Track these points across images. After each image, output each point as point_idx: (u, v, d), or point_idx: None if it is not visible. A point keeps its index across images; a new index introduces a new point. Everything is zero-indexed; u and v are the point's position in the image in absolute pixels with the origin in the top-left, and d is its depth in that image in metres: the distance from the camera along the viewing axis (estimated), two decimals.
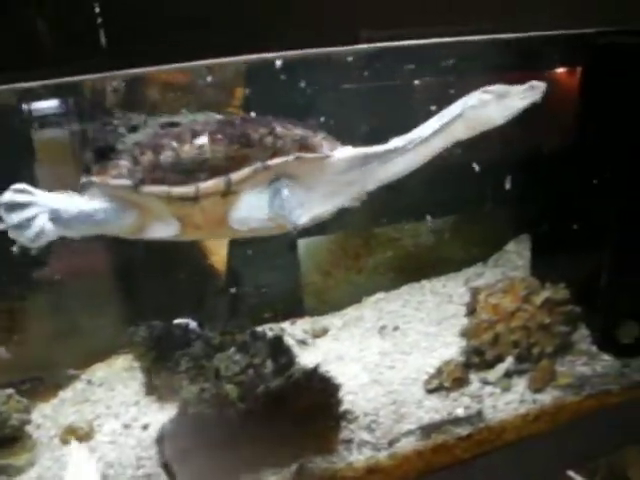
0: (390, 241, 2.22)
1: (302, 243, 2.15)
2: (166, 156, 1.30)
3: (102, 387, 1.97)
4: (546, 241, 2.10)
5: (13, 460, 1.72)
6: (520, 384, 1.76)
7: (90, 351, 2.04)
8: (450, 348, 1.91)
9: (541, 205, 2.06)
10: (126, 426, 1.80)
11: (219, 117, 1.42)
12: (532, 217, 2.15)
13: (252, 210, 1.33)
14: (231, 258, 2.12)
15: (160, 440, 1.62)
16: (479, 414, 1.67)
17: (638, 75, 1.74)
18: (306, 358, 1.85)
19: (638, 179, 1.77)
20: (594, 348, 1.90)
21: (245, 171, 1.30)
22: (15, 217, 1.29)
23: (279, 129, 1.35)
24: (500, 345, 1.80)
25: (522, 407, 1.70)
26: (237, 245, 2.09)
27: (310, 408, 1.62)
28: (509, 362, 1.78)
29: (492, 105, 1.34)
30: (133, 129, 1.39)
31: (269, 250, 2.08)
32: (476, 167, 1.82)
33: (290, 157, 1.32)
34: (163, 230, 1.36)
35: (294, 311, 2.21)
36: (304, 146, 1.34)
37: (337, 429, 1.65)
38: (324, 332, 2.09)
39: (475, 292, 1.91)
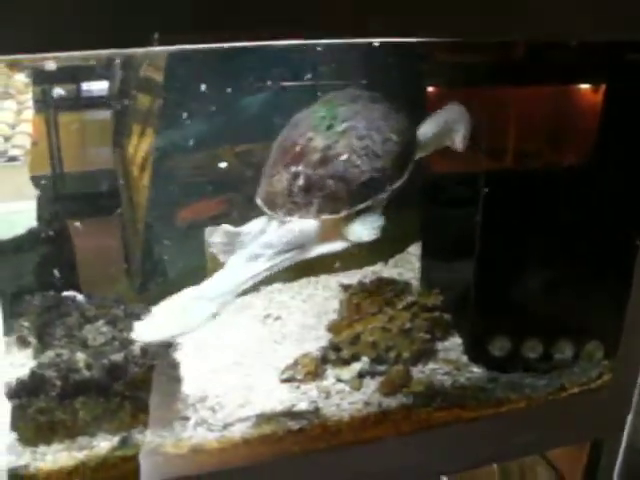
0: None
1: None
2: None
3: None
4: (435, 247, 2.11)
5: None
6: (372, 386, 1.76)
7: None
8: (319, 342, 1.91)
9: (432, 211, 2.07)
10: None
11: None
12: (424, 222, 2.16)
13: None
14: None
15: (7, 396, 1.66)
16: (316, 410, 1.68)
17: None
18: (185, 339, 1.89)
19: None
20: (465, 358, 1.89)
21: None
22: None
23: None
24: (358, 344, 1.80)
25: (366, 409, 1.69)
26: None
27: (148, 382, 1.66)
28: (364, 362, 1.78)
29: None
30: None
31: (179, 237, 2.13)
32: None
33: None
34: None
35: None
36: None
37: (176, 406, 1.69)
38: (212, 316, 2.11)
39: (345, 289, 1.92)
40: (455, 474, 2.09)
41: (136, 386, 1.65)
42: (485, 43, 1.68)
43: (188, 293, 1.49)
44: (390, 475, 1.72)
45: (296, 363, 1.81)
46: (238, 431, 1.63)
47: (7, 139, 2.24)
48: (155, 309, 1.54)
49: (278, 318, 2.11)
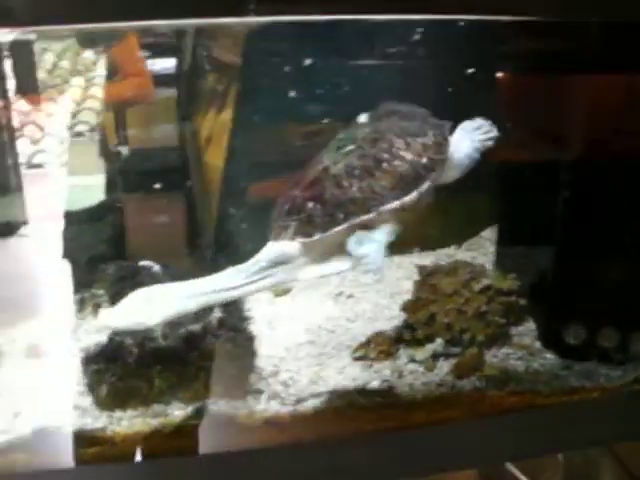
0: None
1: None
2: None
3: None
4: (511, 232, 2.09)
5: None
6: (445, 367, 1.75)
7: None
8: (392, 321, 1.91)
9: (510, 197, 2.05)
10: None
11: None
12: (501, 207, 2.14)
13: None
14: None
15: (85, 363, 1.69)
16: (390, 389, 1.68)
17: None
18: (258, 313, 1.90)
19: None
20: (538, 344, 1.87)
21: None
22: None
23: None
24: (433, 325, 1.79)
25: (439, 390, 1.69)
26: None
27: (223, 354, 1.67)
28: (438, 343, 1.78)
29: None
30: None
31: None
32: None
33: None
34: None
35: None
36: None
37: (250, 379, 1.71)
38: (285, 292, 2.12)
39: (420, 270, 1.91)
40: (520, 461, 2.09)
41: (211, 357, 1.67)
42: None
43: (158, 288, 1.52)
44: (457, 457, 1.71)
45: (369, 342, 1.81)
46: (311, 406, 1.64)
47: (74, 115, 2.27)
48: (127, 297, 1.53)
49: (351, 296, 2.12)
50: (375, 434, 1.64)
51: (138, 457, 1.59)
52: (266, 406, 1.64)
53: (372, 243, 1.49)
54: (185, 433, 1.60)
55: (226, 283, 1.50)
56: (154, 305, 1.47)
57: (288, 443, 1.62)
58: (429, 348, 1.78)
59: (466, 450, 1.70)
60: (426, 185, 1.54)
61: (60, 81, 2.33)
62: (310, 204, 1.50)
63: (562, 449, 2.04)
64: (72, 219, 2.12)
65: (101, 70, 2.31)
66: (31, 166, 2.28)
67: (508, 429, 1.72)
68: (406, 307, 1.85)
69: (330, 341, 1.89)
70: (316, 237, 1.49)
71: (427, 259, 2.22)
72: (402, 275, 2.17)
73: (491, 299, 1.80)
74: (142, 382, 1.64)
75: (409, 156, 1.54)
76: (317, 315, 2.02)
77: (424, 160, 1.55)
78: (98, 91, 2.33)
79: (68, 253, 2.10)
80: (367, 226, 1.51)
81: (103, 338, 1.71)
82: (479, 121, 1.65)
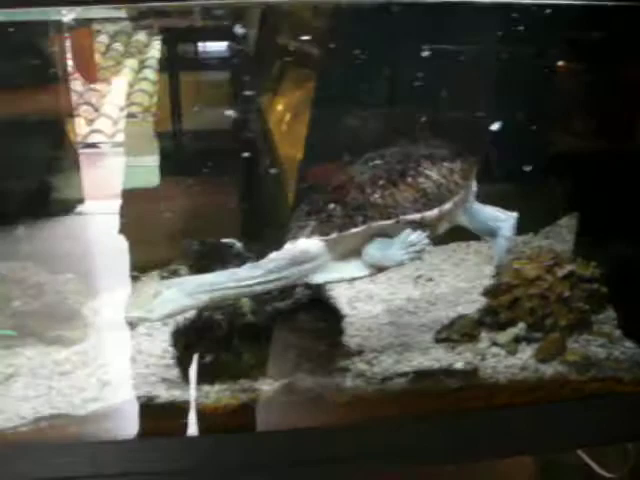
0: None
1: None
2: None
3: None
4: (592, 221, 2.09)
5: (68, 333, 1.93)
6: (527, 352, 1.77)
7: (151, 259, 2.20)
8: (473, 305, 1.94)
9: (591, 185, 2.06)
10: (165, 323, 1.94)
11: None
12: (582, 195, 2.15)
13: None
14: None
15: (174, 336, 1.74)
16: (475, 371, 1.71)
17: None
18: (339, 293, 1.94)
19: None
20: (618, 332, 1.88)
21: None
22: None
23: None
24: (515, 309, 1.81)
25: (522, 374, 1.71)
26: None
27: (313, 332, 1.71)
28: (521, 327, 1.80)
29: None
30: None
31: None
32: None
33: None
34: None
35: None
36: None
37: (336, 357, 1.74)
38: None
39: None
40: (594, 447, 2.09)
41: (298, 334, 1.70)
42: None
43: (166, 282, 1.61)
44: (536, 440, 1.73)
45: (452, 324, 1.83)
46: (398, 385, 1.67)
47: (127, 97, 2.31)
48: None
49: (430, 280, 2.14)
50: (457, 415, 1.68)
51: (224, 431, 1.63)
52: (352, 384, 1.67)
53: (388, 250, 1.58)
54: (274, 409, 1.64)
55: (242, 279, 1.57)
56: (162, 299, 1.53)
57: (374, 420, 1.65)
58: (511, 332, 1.80)
59: (546, 434, 1.72)
60: (448, 205, 1.66)
61: (114, 63, 2.38)
62: (331, 205, 1.59)
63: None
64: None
65: (154, 52, 2.36)
66: (87, 145, 2.34)
67: (588, 414, 1.74)
68: (488, 291, 1.87)
69: (411, 322, 1.92)
70: (333, 236, 1.56)
71: None
72: (480, 260, 2.20)
73: (574, 285, 1.81)
74: (230, 357, 1.68)
75: (435, 176, 1.65)
76: (398, 297, 2.05)
77: (449, 182, 1.67)
78: (151, 73, 2.38)
79: (150, 230, 2.16)
80: (387, 234, 1.59)
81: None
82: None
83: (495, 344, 1.80)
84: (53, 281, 2.00)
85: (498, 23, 1.97)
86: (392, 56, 2.13)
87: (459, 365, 1.73)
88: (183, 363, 1.72)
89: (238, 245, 1.98)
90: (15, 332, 1.90)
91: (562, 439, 1.74)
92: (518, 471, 2.26)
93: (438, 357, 1.77)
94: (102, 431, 1.62)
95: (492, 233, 1.91)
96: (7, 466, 1.57)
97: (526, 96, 2.07)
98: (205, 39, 2.18)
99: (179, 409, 1.63)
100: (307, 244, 1.58)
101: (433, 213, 1.63)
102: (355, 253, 1.60)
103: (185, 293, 1.54)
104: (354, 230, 1.56)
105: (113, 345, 1.91)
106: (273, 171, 2.30)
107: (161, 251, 2.17)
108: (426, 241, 1.58)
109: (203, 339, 1.70)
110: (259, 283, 1.58)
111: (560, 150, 2.18)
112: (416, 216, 1.60)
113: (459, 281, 2.14)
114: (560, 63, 2.15)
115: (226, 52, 2.17)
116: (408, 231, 1.58)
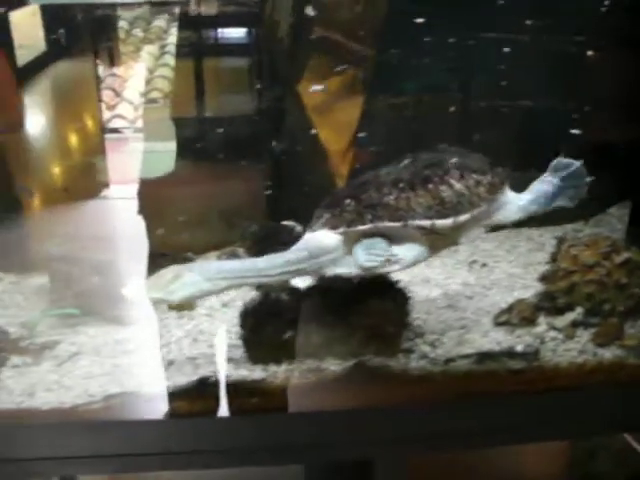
0: None
1: None
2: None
3: None
4: None
5: (128, 313, 2.00)
6: (584, 336, 1.81)
7: (209, 241, 2.25)
8: (528, 290, 1.99)
9: None
10: (224, 304, 2.00)
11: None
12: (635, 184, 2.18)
13: None
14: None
15: (242, 316, 1.78)
16: (536, 353, 1.75)
17: None
18: (396, 276, 1.98)
19: None
20: None
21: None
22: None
23: None
24: (573, 295, 1.85)
25: (581, 357, 1.76)
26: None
27: (379, 314, 1.74)
28: (578, 312, 1.84)
29: None
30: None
31: None
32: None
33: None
34: None
35: None
36: None
37: (401, 339, 1.78)
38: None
39: (560, 241, 1.97)
40: None
41: (364, 315, 1.73)
42: None
43: (188, 266, 1.63)
44: (594, 422, 1.79)
45: (511, 308, 1.88)
46: (462, 366, 1.72)
47: (148, 82, 2.34)
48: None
49: (485, 265, 2.19)
50: (516, 396, 1.73)
51: (292, 409, 1.69)
52: (416, 365, 1.73)
53: (377, 254, 1.60)
54: (342, 388, 1.68)
55: (262, 269, 1.62)
56: (182, 282, 1.56)
57: (437, 402, 1.71)
58: (569, 317, 1.84)
59: (604, 415, 1.76)
60: (464, 216, 1.64)
61: (134, 48, 2.41)
62: (347, 200, 1.61)
63: None
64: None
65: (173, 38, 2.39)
66: (111, 130, 2.37)
67: None
68: (545, 277, 1.91)
69: (469, 306, 1.97)
70: (341, 230, 1.60)
71: (555, 233, 2.28)
72: (532, 247, 2.24)
73: (631, 272, 1.84)
74: (298, 337, 1.72)
75: (458, 186, 1.64)
76: (453, 281, 2.10)
77: (472, 194, 1.65)
78: (170, 59, 2.41)
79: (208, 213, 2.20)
80: (392, 237, 1.62)
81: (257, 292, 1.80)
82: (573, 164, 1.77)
83: (553, 328, 1.84)
84: (111, 261, 2.04)
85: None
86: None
87: (520, 348, 1.77)
88: (250, 343, 1.76)
89: (298, 228, 2.02)
90: (78, 311, 1.94)
91: (620, 422, 1.78)
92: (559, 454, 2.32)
93: (498, 340, 1.81)
94: (171, 409, 1.66)
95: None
96: (84, 442, 1.62)
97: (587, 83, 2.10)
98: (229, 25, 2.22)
99: (247, 389, 1.67)
100: (324, 236, 1.62)
101: (446, 222, 1.61)
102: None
103: (205, 277, 1.57)
104: (361, 227, 1.59)
105: (173, 326, 1.93)
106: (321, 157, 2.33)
107: (218, 234, 2.21)
108: (389, 253, 1.61)
109: (271, 319, 1.73)
110: (279, 274, 1.62)
111: (611, 139, 2.21)
112: (426, 223, 1.60)
113: (512, 267, 2.18)
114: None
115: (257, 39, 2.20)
116: (378, 239, 1.61)
